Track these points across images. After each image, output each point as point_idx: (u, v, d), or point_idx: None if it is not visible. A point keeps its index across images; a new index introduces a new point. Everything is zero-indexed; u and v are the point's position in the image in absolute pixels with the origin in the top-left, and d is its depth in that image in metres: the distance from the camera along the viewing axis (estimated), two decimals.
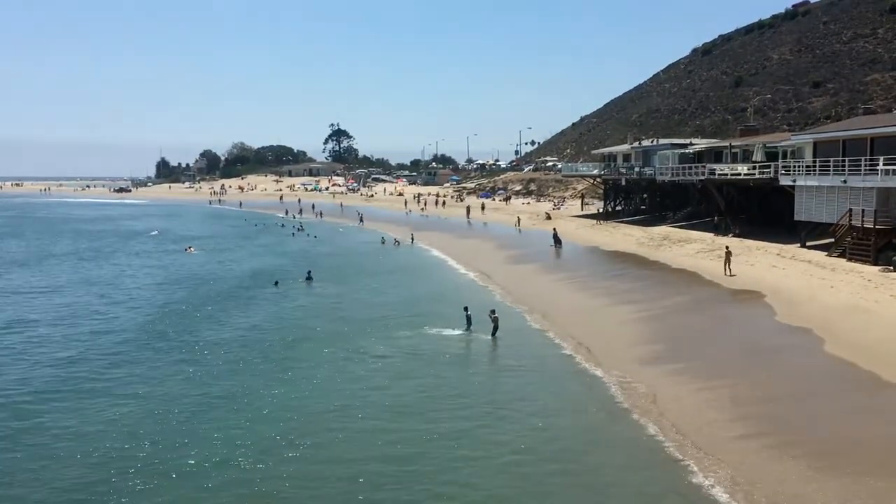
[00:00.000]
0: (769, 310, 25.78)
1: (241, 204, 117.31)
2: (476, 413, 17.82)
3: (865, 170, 34.01)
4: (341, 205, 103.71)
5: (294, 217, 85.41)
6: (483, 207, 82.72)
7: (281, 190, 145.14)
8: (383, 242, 57.01)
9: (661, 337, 24.06)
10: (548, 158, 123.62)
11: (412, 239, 58.47)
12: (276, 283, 37.49)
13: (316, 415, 17.81)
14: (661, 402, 18.04)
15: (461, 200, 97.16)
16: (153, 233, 70.70)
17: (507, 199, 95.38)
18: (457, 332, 25.87)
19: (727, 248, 35.25)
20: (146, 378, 20.94)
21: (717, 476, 13.76)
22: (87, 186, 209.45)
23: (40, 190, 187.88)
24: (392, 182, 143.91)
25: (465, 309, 26.47)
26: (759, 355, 20.81)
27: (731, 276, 32.63)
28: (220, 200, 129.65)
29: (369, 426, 16.97)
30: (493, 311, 26.04)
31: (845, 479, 12.97)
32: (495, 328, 25.26)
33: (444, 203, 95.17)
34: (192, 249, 54.08)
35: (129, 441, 16.05)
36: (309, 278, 38.75)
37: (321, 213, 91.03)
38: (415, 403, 18.63)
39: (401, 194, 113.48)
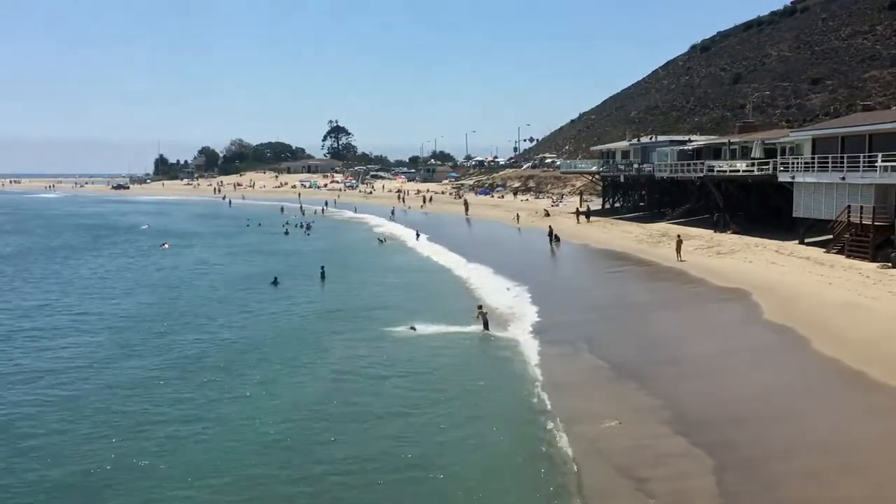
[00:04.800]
0: (756, 308, 25.56)
1: (230, 202, 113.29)
2: None
3: (864, 166, 33.97)
4: (335, 201, 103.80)
5: (300, 213, 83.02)
6: (466, 203, 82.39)
7: (280, 186, 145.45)
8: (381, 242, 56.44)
9: (633, 335, 24.08)
10: (546, 155, 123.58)
11: (417, 236, 58.24)
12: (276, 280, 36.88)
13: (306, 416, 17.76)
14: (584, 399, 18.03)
15: (458, 197, 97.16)
16: (143, 226, 71.59)
17: (515, 194, 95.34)
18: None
19: (678, 236, 39.36)
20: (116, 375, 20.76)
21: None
22: (86, 183, 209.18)
23: (45, 187, 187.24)
24: (391, 179, 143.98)
25: (479, 307, 26.62)
26: (733, 356, 20.72)
27: (682, 261, 36.25)
28: (223, 196, 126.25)
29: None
30: (480, 307, 26.42)
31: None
32: (486, 323, 25.41)
33: (430, 199, 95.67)
34: (166, 245, 53.91)
35: (113, 446, 15.72)
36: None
37: (323, 210, 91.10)
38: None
39: (399, 191, 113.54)
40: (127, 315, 28.92)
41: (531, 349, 23.43)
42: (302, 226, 68.24)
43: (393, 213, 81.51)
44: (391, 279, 38.72)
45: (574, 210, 64.35)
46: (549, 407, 17.99)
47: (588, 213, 60.95)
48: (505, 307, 29.84)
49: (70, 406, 18.15)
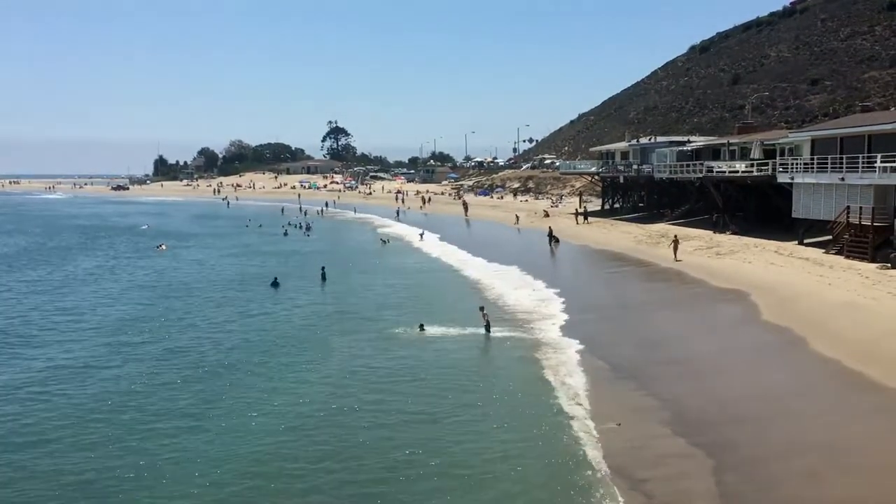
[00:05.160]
0: (754, 308, 25.61)
1: (228, 203, 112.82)
2: None
3: (863, 167, 34.04)
4: (334, 202, 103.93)
5: (299, 214, 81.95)
6: (464, 204, 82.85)
7: (280, 187, 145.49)
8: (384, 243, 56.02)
9: (633, 335, 24.14)
10: (546, 156, 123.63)
11: (421, 236, 58.65)
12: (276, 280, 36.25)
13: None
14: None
15: (458, 198, 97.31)
16: (143, 227, 71.99)
17: (515, 195, 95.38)
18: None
19: (675, 236, 40.34)
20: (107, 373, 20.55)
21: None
22: (85, 184, 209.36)
23: (45, 188, 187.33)
24: (390, 180, 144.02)
25: (481, 309, 26.08)
26: (732, 356, 20.76)
27: (678, 261, 37.12)
28: (223, 198, 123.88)
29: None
30: (482, 308, 25.85)
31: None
32: (488, 325, 25.13)
33: (429, 200, 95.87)
34: (163, 247, 53.52)
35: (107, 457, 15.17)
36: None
37: (322, 211, 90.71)
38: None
39: (399, 192, 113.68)
40: (128, 318, 28.53)
41: (535, 348, 23.42)
42: (301, 227, 67.85)
43: (398, 213, 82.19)
44: (396, 280, 37.91)
45: (574, 211, 64.57)
46: (563, 408, 17.92)
47: (586, 214, 61.16)
48: (515, 306, 29.90)
49: (64, 411, 17.76)
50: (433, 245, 54.01)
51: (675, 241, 39.21)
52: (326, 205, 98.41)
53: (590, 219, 60.17)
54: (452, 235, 59.33)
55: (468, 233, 64.95)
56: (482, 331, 25.20)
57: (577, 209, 64.71)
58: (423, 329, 25.34)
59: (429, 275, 40.47)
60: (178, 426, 16.79)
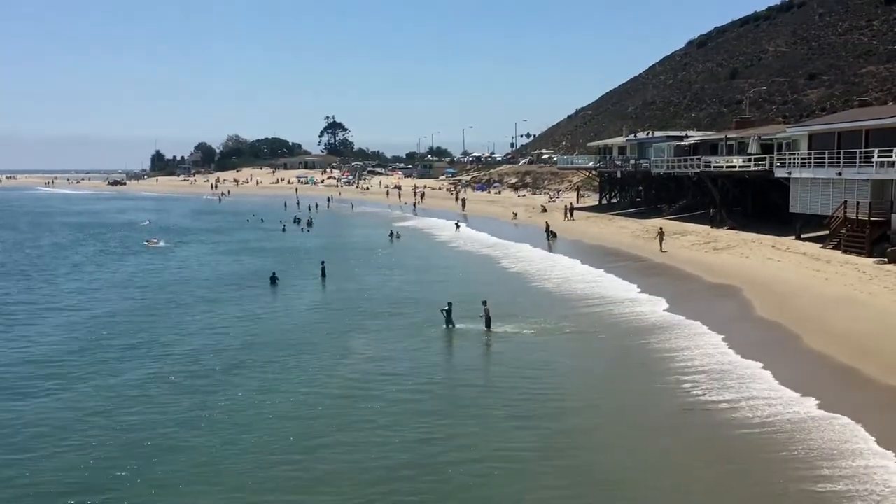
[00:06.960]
0: (749, 304, 25.62)
1: (220, 199, 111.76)
2: None
3: (860, 162, 34.09)
4: (333, 197, 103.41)
5: (300, 209, 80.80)
6: (457, 199, 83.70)
7: (277, 182, 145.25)
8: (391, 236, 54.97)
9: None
10: (543, 151, 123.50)
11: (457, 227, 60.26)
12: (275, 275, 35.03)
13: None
14: None
15: (454, 192, 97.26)
16: (144, 223, 71.83)
17: (515, 189, 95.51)
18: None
19: (660, 228, 42.41)
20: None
21: None
22: (82, 179, 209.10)
23: (45, 183, 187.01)
24: (388, 175, 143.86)
25: (484, 303, 24.78)
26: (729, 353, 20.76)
27: (663, 252, 38.76)
28: (221, 194, 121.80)
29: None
30: (484, 303, 24.66)
31: None
32: (488, 320, 24.18)
33: (423, 195, 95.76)
34: (156, 242, 53.06)
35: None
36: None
37: (317, 206, 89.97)
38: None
39: (396, 187, 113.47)
40: (122, 317, 27.79)
41: (529, 345, 23.41)
42: (298, 221, 67.51)
43: (415, 207, 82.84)
44: (416, 276, 36.87)
45: (564, 207, 64.91)
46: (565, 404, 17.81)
47: (571, 210, 61.81)
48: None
49: (55, 414, 17.08)
50: (473, 238, 54.19)
51: (661, 233, 40.85)
52: (329, 199, 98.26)
53: (575, 214, 60.74)
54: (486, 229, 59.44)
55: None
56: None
57: (566, 205, 64.98)
58: (453, 326, 24.47)
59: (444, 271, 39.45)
60: (177, 432, 15.77)
